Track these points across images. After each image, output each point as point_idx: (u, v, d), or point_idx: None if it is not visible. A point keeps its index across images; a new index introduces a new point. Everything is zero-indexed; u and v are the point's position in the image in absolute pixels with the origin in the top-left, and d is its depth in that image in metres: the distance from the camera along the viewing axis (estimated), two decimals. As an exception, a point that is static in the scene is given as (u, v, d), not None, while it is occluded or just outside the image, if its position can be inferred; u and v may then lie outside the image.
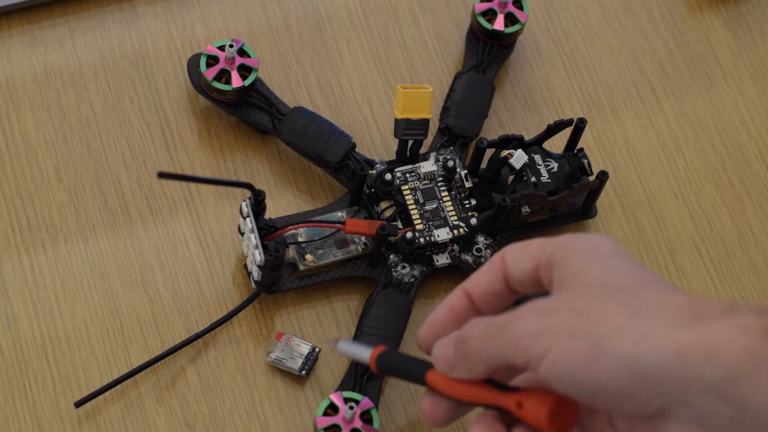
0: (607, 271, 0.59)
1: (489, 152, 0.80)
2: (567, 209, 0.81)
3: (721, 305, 0.57)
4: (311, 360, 0.76)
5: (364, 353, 0.68)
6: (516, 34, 0.84)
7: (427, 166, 0.80)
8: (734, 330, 0.55)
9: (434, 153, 0.81)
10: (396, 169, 0.80)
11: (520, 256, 0.62)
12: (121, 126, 0.82)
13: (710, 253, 0.82)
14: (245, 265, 0.78)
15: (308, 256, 0.77)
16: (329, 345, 0.74)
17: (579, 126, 0.79)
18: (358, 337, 0.76)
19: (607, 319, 0.57)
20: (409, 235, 0.77)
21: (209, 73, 0.80)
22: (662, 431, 0.57)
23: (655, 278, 0.59)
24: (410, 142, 0.79)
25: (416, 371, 0.65)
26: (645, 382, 0.56)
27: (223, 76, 0.80)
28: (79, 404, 0.74)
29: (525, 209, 0.78)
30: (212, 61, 0.80)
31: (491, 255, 0.79)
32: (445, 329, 0.64)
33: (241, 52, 0.81)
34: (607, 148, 0.85)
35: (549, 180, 0.78)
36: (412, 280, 0.78)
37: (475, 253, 0.79)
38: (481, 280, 0.64)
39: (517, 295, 0.63)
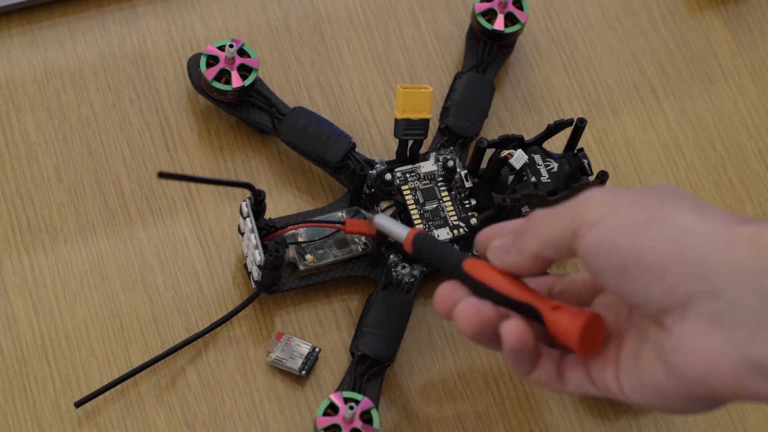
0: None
1: (489, 152, 0.80)
2: (567, 209, 0.81)
3: None
4: (311, 360, 0.76)
5: (400, 231, 0.69)
6: (516, 34, 0.84)
7: (427, 166, 0.80)
8: None
9: (434, 153, 0.81)
10: (396, 169, 0.80)
11: None
12: (121, 126, 0.82)
13: (710, 253, 0.82)
14: (245, 265, 0.78)
15: (308, 256, 0.77)
16: (365, 215, 0.75)
17: (579, 126, 0.79)
18: (358, 337, 0.76)
19: (671, 205, 0.58)
20: (409, 235, 0.77)
21: (209, 73, 0.80)
22: (674, 333, 0.57)
23: None
24: (410, 142, 0.79)
25: (454, 256, 0.66)
26: (685, 258, 0.55)
27: (223, 76, 0.80)
28: (79, 404, 0.74)
29: (525, 209, 0.78)
30: (212, 61, 0.80)
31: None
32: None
33: (241, 52, 0.81)
34: (607, 148, 0.85)
35: (549, 180, 0.78)
36: (412, 280, 0.78)
37: (475, 253, 0.79)
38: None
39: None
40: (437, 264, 0.67)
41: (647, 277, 0.56)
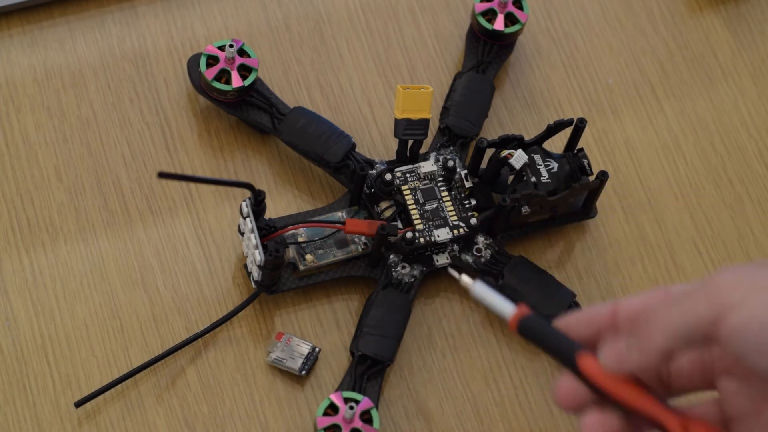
0: None
1: (489, 152, 0.80)
2: (567, 209, 0.81)
3: None
4: (311, 360, 0.76)
5: (504, 308, 0.61)
6: (516, 34, 0.84)
7: (427, 166, 0.80)
8: None
9: (434, 153, 0.81)
10: (396, 169, 0.80)
11: None
12: (121, 126, 0.82)
13: (710, 253, 0.82)
14: (245, 265, 0.78)
15: (308, 256, 0.77)
16: (462, 280, 0.64)
17: (579, 126, 0.79)
18: (358, 337, 0.76)
19: None
20: (409, 235, 0.77)
21: (209, 73, 0.80)
22: None
23: None
24: (410, 142, 0.79)
25: (566, 349, 0.60)
26: None
27: (223, 76, 0.80)
28: (79, 404, 0.74)
29: (525, 209, 0.78)
30: (212, 61, 0.80)
31: (491, 255, 0.79)
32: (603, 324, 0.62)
33: (241, 52, 0.81)
34: (607, 148, 0.85)
35: (549, 180, 0.78)
36: (412, 280, 0.78)
37: (475, 253, 0.79)
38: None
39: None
40: (546, 352, 0.62)
41: None
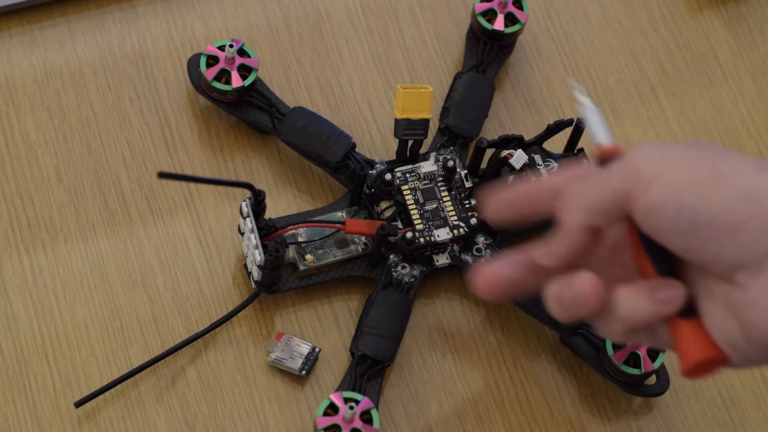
0: None
1: (489, 152, 0.80)
2: (567, 209, 0.80)
3: None
4: (311, 360, 0.76)
5: (601, 137, 0.60)
6: (516, 34, 0.84)
7: (427, 166, 0.80)
8: None
9: (434, 153, 0.81)
10: (396, 169, 0.80)
11: None
12: (121, 126, 0.82)
13: (710, 253, 0.82)
14: (245, 265, 0.78)
15: (308, 256, 0.77)
16: (571, 84, 0.63)
17: (579, 126, 0.79)
18: (358, 337, 0.76)
19: (728, 157, 0.56)
20: (409, 235, 0.77)
21: (209, 73, 0.80)
22: (750, 288, 0.55)
23: None
24: (410, 142, 0.79)
25: None
26: (762, 214, 0.54)
27: (223, 76, 0.80)
28: (79, 404, 0.74)
29: (525, 209, 0.78)
30: (212, 61, 0.80)
31: (491, 255, 0.79)
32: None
33: (241, 52, 0.81)
34: (607, 148, 0.85)
35: (549, 180, 0.78)
36: (412, 280, 0.78)
37: (475, 253, 0.79)
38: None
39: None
40: None
41: (720, 236, 0.55)
